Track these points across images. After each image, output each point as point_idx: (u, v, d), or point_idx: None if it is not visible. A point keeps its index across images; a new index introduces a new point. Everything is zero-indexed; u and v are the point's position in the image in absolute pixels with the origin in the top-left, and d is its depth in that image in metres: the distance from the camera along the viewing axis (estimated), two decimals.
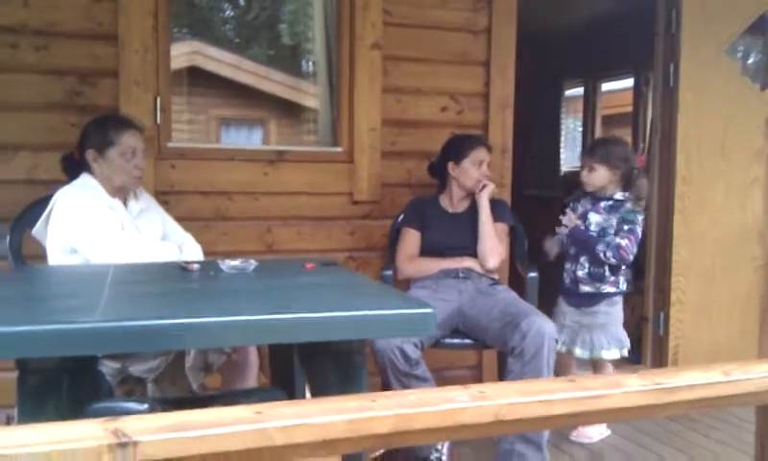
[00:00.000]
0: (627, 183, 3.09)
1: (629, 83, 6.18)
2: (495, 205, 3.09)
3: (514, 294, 2.88)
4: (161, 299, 1.63)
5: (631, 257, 2.99)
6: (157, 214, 2.69)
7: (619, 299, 3.12)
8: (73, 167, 2.55)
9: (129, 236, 2.39)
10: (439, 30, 3.49)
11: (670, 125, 3.92)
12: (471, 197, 3.11)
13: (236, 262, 1.99)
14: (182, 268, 2.00)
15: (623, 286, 3.10)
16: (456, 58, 3.52)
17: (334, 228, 3.42)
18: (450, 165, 3.09)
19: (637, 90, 5.93)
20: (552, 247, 3.22)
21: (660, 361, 4.01)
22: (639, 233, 3.02)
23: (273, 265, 2.00)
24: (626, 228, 3.00)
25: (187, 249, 2.65)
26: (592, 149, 3.20)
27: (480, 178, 3.06)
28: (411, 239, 3.11)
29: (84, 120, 2.79)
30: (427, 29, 3.47)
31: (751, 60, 4.05)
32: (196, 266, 1.97)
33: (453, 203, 3.15)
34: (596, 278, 3.06)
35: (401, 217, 3.24)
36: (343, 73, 3.38)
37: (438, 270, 2.99)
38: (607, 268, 3.04)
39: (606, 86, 6.61)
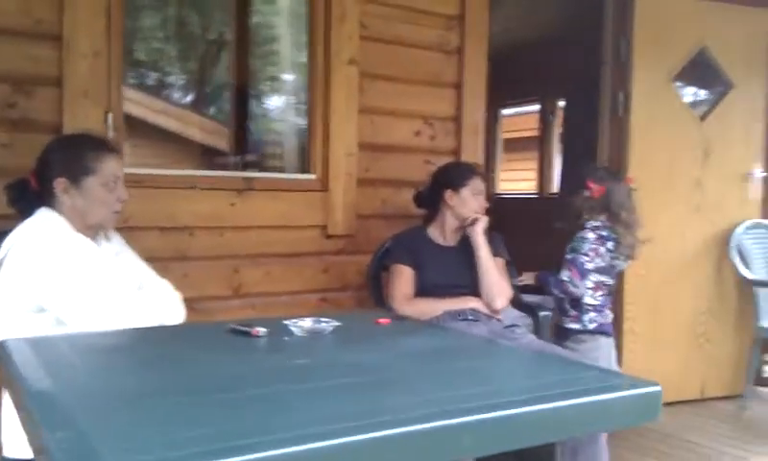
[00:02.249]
0: (601, 211, 2.96)
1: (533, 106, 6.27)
2: (491, 238, 2.85)
3: (533, 337, 2.65)
4: (271, 391, 1.16)
5: (573, 290, 2.83)
6: (132, 257, 2.16)
7: (588, 337, 2.89)
8: (26, 199, 1.97)
9: (128, 293, 1.87)
10: (413, 48, 3.22)
11: (619, 154, 3.93)
12: (463, 229, 2.85)
13: (309, 322, 1.58)
14: (244, 333, 1.55)
15: (590, 325, 2.89)
16: (430, 78, 3.27)
17: (306, 265, 3.01)
18: (448, 194, 2.81)
19: (544, 117, 6.02)
20: None
21: None
22: (585, 263, 2.84)
23: (343, 323, 1.60)
24: (568, 257, 2.87)
25: (165, 300, 2.15)
26: (567, 176, 3.07)
27: (478, 209, 2.82)
28: (406, 277, 2.78)
29: (18, 138, 2.20)
30: (402, 46, 3.19)
31: (692, 91, 4.18)
32: (262, 331, 1.53)
33: (445, 235, 2.87)
34: (560, 310, 2.93)
35: (389, 253, 2.90)
36: (316, 90, 3.00)
37: (441, 312, 2.69)
38: (566, 301, 2.91)
39: (508, 111, 6.67)
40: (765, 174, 4.23)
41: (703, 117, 4.08)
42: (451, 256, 2.83)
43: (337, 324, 1.57)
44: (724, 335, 4.11)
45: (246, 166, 3.78)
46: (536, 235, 5.52)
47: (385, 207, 3.18)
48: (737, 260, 4.00)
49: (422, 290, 2.77)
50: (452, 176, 2.84)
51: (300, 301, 2.93)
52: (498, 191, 6.63)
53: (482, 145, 3.44)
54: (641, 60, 3.86)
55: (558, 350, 2.48)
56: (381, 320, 1.74)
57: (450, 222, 2.84)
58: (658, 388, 1.14)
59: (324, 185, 3.01)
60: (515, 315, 2.80)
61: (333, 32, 2.96)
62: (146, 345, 1.59)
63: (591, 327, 2.90)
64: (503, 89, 5.94)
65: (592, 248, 2.87)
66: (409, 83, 3.22)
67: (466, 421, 0.99)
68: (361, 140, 3.09)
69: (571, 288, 2.82)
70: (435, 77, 3.28)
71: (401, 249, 2.85)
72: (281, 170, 3.05)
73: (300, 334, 1.54)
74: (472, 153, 3.35)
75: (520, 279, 2.92)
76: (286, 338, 1.51)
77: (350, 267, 3.10)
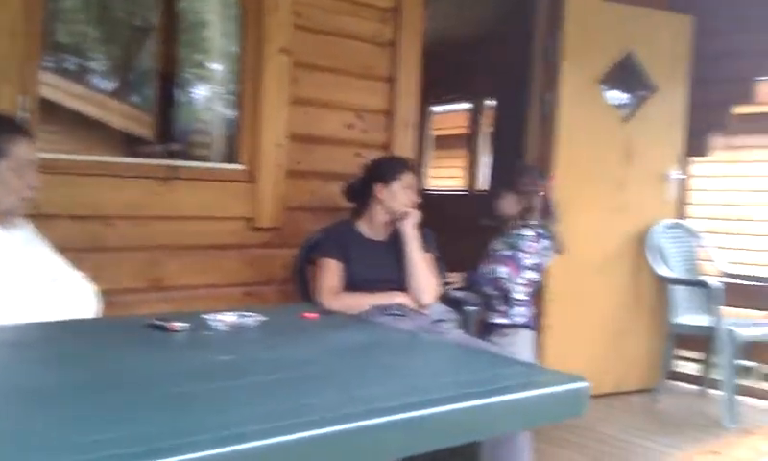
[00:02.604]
0: (529, 213, 3.02)
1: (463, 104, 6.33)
2: (422, 234, 2.85)
3: (459, 332, 2.66)
4: (185, 391, 1.11)
5: (510, 286, 2.90)
6: (43, 247, 2.05)
7: (513, 332, 2.98)
8: None
9: (39, 284, 1.76)
10: (347, 39, 3.18)
11: (547, 153, 4.00)
12: (393, 224, 2.84)
13: (231, 317, 1.52)
14: (161, 328, 1.48)
15: (517, 319, 2.97)
16: (363, 71, 3.24)
17: (230, 258, 2.93)
18: (378, 187, 2.79)
19: (473, 114, 6.08)
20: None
21: None
22: (523, 259, 2.92)
23: (268, 318, 1.55)
24: (506, 253, 2.93)
25: (78, 292, 2.05)
26: (500, 176, 3.10)
27: (408, 203, 2.81)
28: (333, 271, 2.74)
29: None
30: (336, 37, 3.14)
31: (617, 94, 4.29)
32: (180, 326, 1.46)
33: (375, 229, 2.85)
34: (487, 305, 2.97)
35: (317, 246, 2.86)
36: (247, 78, 2.92)
37: (368, 306, 2.67)
38: (495, 297, 2.95)
39: (439, 108, 6.70)
40: (683, 176, 4.39)
41: (626, 119, 4.20)
42: (380, 251, 2.82)
43: (262, 318, 1.52)
44: (639, 331, 4.26)
45: (171, 155, 3.66)
46: (464, 231, 5.58)
47: (314, 200, 3.13)
48: (653, 259, 4.14)
49: (350, 285, 2.74)
50: (383, 169, 2.82)
51: (223, 294, 2.85)
52: (428, 187, 6.66)
53: (414, 140, 3.44)
54: (570, 62, 3.93)
55: (484, 345, 2.50)
56: (308, 314, 1.71)
57: (380, 216, 2.82)
58: (585, 384, 1.15)
59: (252, 176, 2.93)
60: (441, 310, 2.80)
61: (265, 19, 2.88)
62: (56, 340, 1.50)
63: (519, 321, 2.94)
64: (434, 86, 5.96)
65: (531, 245, 2.92)
66: (342, 74, 3.18)
67: (393, 419, 0.96)
68: (292, 131, 3.03)
69: (507, 284, 2.85)
70: (368, 70, 3.25)
71: (329, 242, 2.81)
72: (208, 160, 2.95)
73: (222, 329, 1.48)
74: (404, 147, 3.34)
75: (448, 281, 2.92)
76: (207, 333, 1.45)
77: (277, 260, 3.03)
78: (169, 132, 3.89)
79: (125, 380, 1.12)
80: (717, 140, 4.61)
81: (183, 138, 3.42)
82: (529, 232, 2.93)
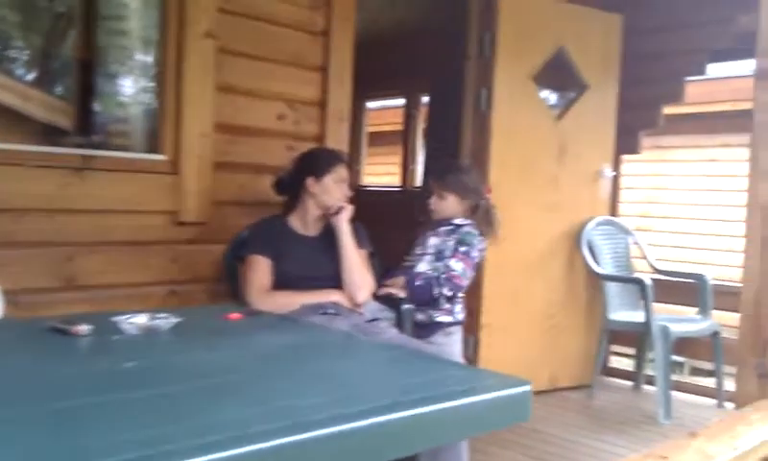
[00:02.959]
0: (472, 214, 2.95)
1: (398, 100, 6.25)
2: (355, 229, 2.74)
3: (396, 331, 2.56)
4: (70, 405, 0.96)
5: (465, 283, 2.84)
6: None
7: (456, 329, 2.92)
8: None
9: None
10: (277, 25, 3.03)
11: (482, 150, 3.95)
12: (326, 219, 2.72)
13: (143, 319, 1.37)
14: (63, 331, 1.31)
15: (459, 316, 2.91)
16: (294, 59, 3.10)
17: (153, 254, 2.75)
18: (309, 181, 2.67)
19: (408, 112, 6.01)
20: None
21: None
22: (475, 257, 2.86)
23: (185, 319, 1.39)
24: (461, 249, 2.83)
25: None
26: (440, 175, 2.96)
27: (342, 198, 2.69)
28: (263, 269, 2.60)
29: None
30: (264, 22, 3.00)
31: (550, 90, 4.29)
32: (84, 329, 1.31)
33: (307, 225, 2.72)
34: (430, 305, 2.85)
35: (246, 243, 2.71)
36: (168, 64, 2.74)
37: (300, 305, 2.54)
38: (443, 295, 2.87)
39: (374, 104, 6.61)
40: (614, 173, 4.42)
41: (559, 116, 4.20)
42: (312, 247, 2.69)
43: (177, 320, 1.38)
44: (574, 328, 4.27)
45: (90, 146, 3.41)
46: (400, 228, 5.49)
47: (243, 194, 2.98)
48: (587, 256, 4.16)
49: (281, 282, 2.61)
50: (315, 162, 2.70)
51: (145, 294, 2.67)
52: (364, 184, 6.56)
53: (347, 133, 3.33)
54: (504, 57, 3.90)
55: (422, 345, 2.40)
56: (231, 315, 1.57)
57: (312, 211, 2.70)
58: (527, 388, 1.06)
59: (175, 168, 2.76)
60: (376, 308, 2.70)
61: (188, 1, 2.71)
62: None
63: (461, 318, 2.88)
64: (368, 81, 5.87)
65: (480, 243, 2.85)
66: (272, 62, 3.03)
67: (321, 434, 0.85)
68: (218, 121, 2.87)
69: (463, 281, 2.78)
70: (300, 58, 3.12)
71: (259, 238, 2.67)
72: (128, 150, 2.76)
73: (132, 332, 1.34)
74: (337, 140, 3.22)
75: (389, 290, 2.82)
76: (114, 338, 1.30)
77: (203, 257, 2.87)
78: (90, 122, 3.65)
79: (7, 392, 0.96)
80: (647, 139, 4.69)
81: (105, 129, 3.19)
82: (474, 230, 2.87)
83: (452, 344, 2.85)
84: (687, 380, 4.48)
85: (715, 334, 3.97)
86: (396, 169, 8.25)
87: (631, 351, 4.70)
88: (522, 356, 4.07)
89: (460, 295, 2.87)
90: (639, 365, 4.38)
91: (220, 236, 2.86)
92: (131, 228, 2.67)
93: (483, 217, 2.90)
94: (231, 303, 2.67)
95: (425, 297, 2.80)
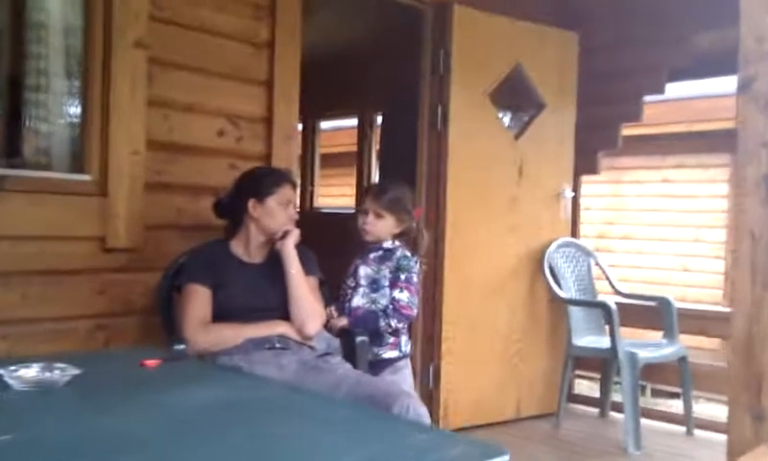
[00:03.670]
0: (401, 236, 2.74)
1: (351, 121, 6.08)
2: (302, 255, 2.51)
3: (349, 366, 2.32)
4: None
5: (414, 312, 2.62)
6: None
7: (405, 363, 2.69)
8: None
9: None
10: (217, 36, 2.82)
11: (438, 169, 3.78)
12: (271, 244, 2.49)
13: (34, 371, 1.12)
14: None
15: (406, 348, 2.68)
16: (236, 72, 2.89)
17: (78, 285, 2.48)
18: (251, 204, 2.43)
19: (362, 131, 5.83)
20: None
21: (431, 416, 3.78)
22: (417, 283, 2.65)
23: (87, 369, 1.14)
24: (402, 277, 2.61)
25: None
26: (380, 193, 2.73)
27: (287, 221, 2.47)
28: (201, 300, 2.35)
29: None
30: (202, 32, 2.78)
31: (506, 110, 4.15)
32: None
33: (250, 250, 2.48)
34: (374, 341, 2.61)
35: (182, 270, 2.46)
36: (93, 74, 2.49)
37: (243, 339, 2.30)
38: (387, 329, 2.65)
39: (327, 125, 6.42)
40: (573, 194, 4.30)
41: (517, 136, 4.06)
42: (257, 275, 2.46)
43: (76, 372, 1.13)
44: (538, 353, 4.09)
45: (8, 166, 3.12)
46: (356, 251, 5.30)
47: (180, 217, 2.73)
48: (550, 279, 4.00)
49: (222, 314, 2.36)
50: (257, 183, 2.47)
51: (67, 330, 2.40)
52: (317, 205, 6.33)
53: (296, 151, 3.11)
54: (460, 75, 3.74)
55: (379, 383, 2.17)
56: (148, 362, 1.32)
57: (255, 235, 2.47)
58: (506, 457, 0.85)
59: (101, 189, 2.50)
60: (328, 340, 2.47)
61: (116, 8, 2.48)
62: None
63: (407, 350, 2.67)
64: (322, 101, 5.68)
65: (415, 264, 2.65)
66: (212, 75, 2.81)
67: None
68: (151, 138, 2.62)
69: (413, 310, 2.57)
70: (242, 71, 2.90)
71: (197, 265, 2.42)
72: (50, 169, 2.49)
73: (19, 388, 1.09)
74: (285, 159, 3.00)
75: (338, 323, 2.60)
76: None
77: (136, 287, 2.61)
78: (13, 141, 3.35)
79: None
80: (603, 160, 4.59)
81: (23, 147, 2.91)
82: (408, 252, 2.67)
83: (402, 380, 2.63)
84: (653, 405, 4.34)
85: (682, 359, 3.84)
86: (351, 190, 8.05)
87: (595, 374, 4.56)
88: (485, 385, 3.88)
89: (403, 326, 2.66)
90: (605, 391, 4.21)
91: (154, 264, 2.60)
92: (52, 255, 2.40)
93: (417, 242, 2.70)
94: (167, 339, 2.42)
95: (369, 328, 2.57)
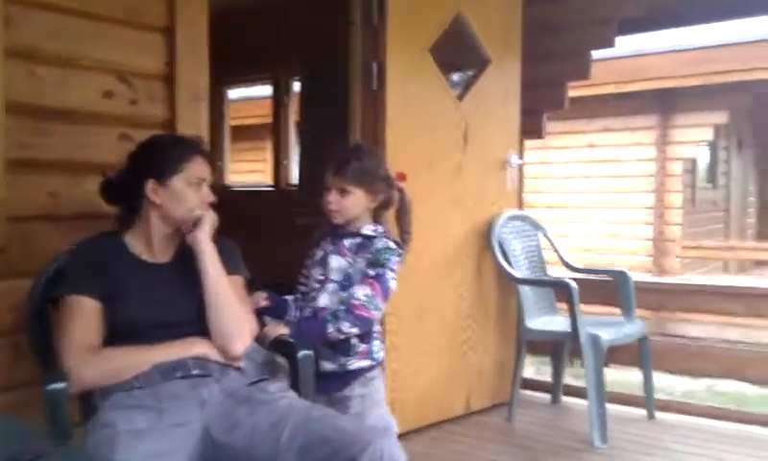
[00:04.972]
0: (383, 211, 2.24)
1: (267, 90, 5.45)
2: (222, 247, 1.95)
3: (293, 395, 1.78)
4: None
5: (374, 315, 2.09)
6: None
7: (377, 372, 2.20)
8: None
9: None
10: None
11: (375, 136, 3.25)
12: (180, 237, 1.91)
13: None
14: None
15: (379, 355, 2.19)
16: (125, 15, 2.25)
17: None
18: (151, 185, 1.84)
19: (277, 100, 5.21)
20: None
21: None
22: (390, 281, 2.12)
23: None
24: (371, 273, 2.09)
25: None
26: (342, 164, 2.17)
27: (199, 205, 1.89)
28: (87, 317, 1.76)
29: None
30: None
31: (447, 66, 3.66)
32: None
33: (152, 246, 1.90)
34: (340, 349, 2.12)
35: (63, 277, 1.85)
36: None
37: (151, 366, 1.73)
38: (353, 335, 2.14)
39: (238, 93, 5.76)
40: (521, 161, 3.89)
41: (461, 96, 3.59)
42: (163, 279, 1.88)
43: None
44: (487, 340, 3.69)
45: None
46: (274, 232, 4.71)
47: (56, 205, 2.10)
48: (500, 257, 3.58)
49: (117, 334, 1.78)
50: (157, 157, 1.88)
51: None
52: (228, 183, 5.68)
53: (206, 116, 2.51)
54: (397, 28, 3.21)
55: (338, 422, 1.64)
56: None
57: (158, 227, 1.89)
58: None
59: None
60: (262, 358, 1.93)
61: None
62: None
63: (380, 357, 2.17)
64: (229, 67, 5.00)
65: (397, 261, 2.13)
66: (94, 19, 2.17)
67: None
68: (11, 99, 1.97)
69: (373, 313, 2.05)
70: (135, 14, 2.27)
71: (80, 269, 1.82)
72: None
73: None
74: (194, 126, 2.39)
75: (274, 334, 2.04)
76: None
77: None
78: None
79: None
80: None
81: None
82: (391, 243, 2.15)
83: (374, 393, 2.15)
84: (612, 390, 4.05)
85: (643, 339, 3.52)
86: (263, 166, 7.43)
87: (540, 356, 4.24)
88: (434, 380, 3.44)
89: (376, 329, 2.16)
90: (557, 375, 3.87)
91: (22, 267, 1.99)
92: None
93: (398, 215, 2.20)
94: (40, 369, 1.82)
95: (315, 336, 2.05)
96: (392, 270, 2.10)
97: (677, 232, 6.75)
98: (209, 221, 1.88)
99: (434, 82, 3.42)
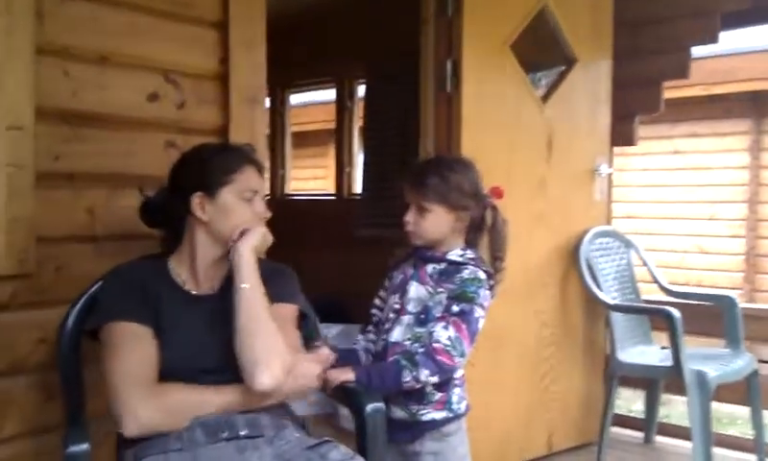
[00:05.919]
0: (476, 233, 1.91)
1: (328, 95, 5.19)
2: (273, 272, 1.65)
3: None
4: None
5: (459, 362, 1.76)
6: None
7: (456, 427, 1.86)
8: None
9: None
10: None
11: (449, 142, 2.92)
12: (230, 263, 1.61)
13: None
14: None
15: (459, 407, 1.85)
16: (173, 7, 1.98)
17: None
18: (196, 200, 1.56)
19: (341, 104, 4.93)
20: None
21: None
22: (479, 320, 1.78)
23: None
24: (455, 309, 1.75)
25: None
26: (420, 177, 1.85)
27: (253, 221, 1.60)
28: (142, 346, 1.50)
29: None
30: None
31: (530, 64, 3.29)
32: None
33: (197, 274, 1.62)
34: (411, 396, 1.79)
35: (99, 303, 1.59)
36: None
37: (193, 421, 1.44)
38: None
39: (299, 99, 5.52)
40: (611, 170, 3.48)
41: (545, 98, 3.22)
42: (210, 314, 1.59)
43: None
44: (572, 372, 3.29)
45: None
46: (334, 245, 4.43)
47: (94, 223, 1.84)
48: (589, 279, 3.19)
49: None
50: (204, 167, 1.60)
51: None
52: (289, 192, 5.44)
53: (264, 122, 2.23)
54: (473, 20, 2.87)
55: None
56: None
57: (205, 249, 1.61)
58: None
59: None
60: (322, 407, 1.62)
61: None
62: None
63: (461, 408, 1.84)
64: (289, 69, 4.76)
65: (487, 295, 1.81)
66: (138, 11, 1.90)
67: None
68: (43, 104, 1.72)
69: (457, 360, 1.73)
70: (182, 6, 2.00)
71: (127, 294, 1.55)
72: None
73: None
74: (249, 133, 2.11)
75: (333, 373, 1.72)
76: None
77: (26, 333, 1.72)
78: None
79: None
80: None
81: None
82: (482, 274, 1.82)
83: (449, 452, 1.81)
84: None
85: (753, 374, 3.07)
86: (324, 173, 7.21)
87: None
88: (512, 415, 3.07)
89: (457, 375, 1.83)
90: (651, 412, 3.44)
91: (55, 294, 1.74)
92: None
93: (490, 238, 1.87)
94: (67, 418, 1.56)
95: (388, 386, 1.72)
96: (481, 307, 1.76)
97: None
98: (258, 235, 1.58)
99: (516, 82, 3.06)
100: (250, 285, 1.52)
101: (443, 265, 1.82)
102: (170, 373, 1.49)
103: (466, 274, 1.78)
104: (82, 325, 1.65)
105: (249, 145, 1.71)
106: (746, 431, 4.05)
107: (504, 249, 1.88)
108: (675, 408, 4.20)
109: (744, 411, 3.91)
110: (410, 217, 1.83)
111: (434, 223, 1.82)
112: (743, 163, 6.37)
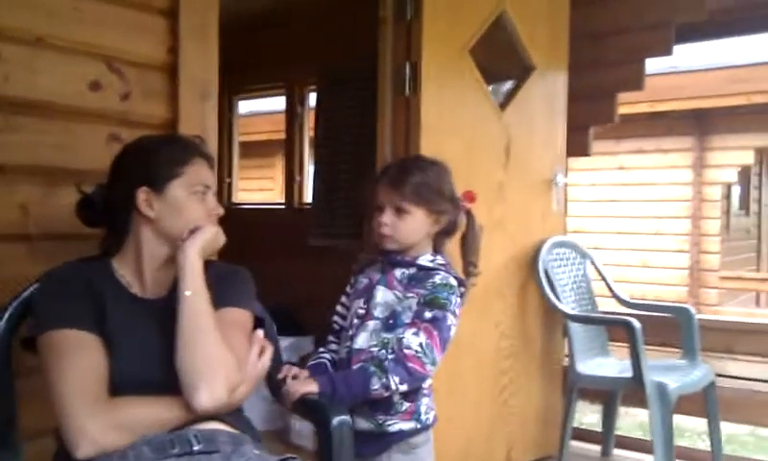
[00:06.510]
0: (444, 239, 1.82)
1: (275, 104, 5.05)
2: (226, 274, 1.52)
3: None
4: None
5: (430, 371, 1.66)
6: None
7: (424, 438, 1.76)
8: None
9: None
10: None
11: (407, 148, 2.82)
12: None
13: None
14: None
15: (428, 417, 1.75)
16: None
17: None
18: (141, 195, 1.42)
19: (291, 111, 4.80)
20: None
21: None
22: (451, 327, 1.69)
23: None
24: (427, 316, 1.66)
25: None
26: (399, 177, 1.74)
27: (204, 218, 1.46)
28: (89, 354, 1.34)
29: None
30: None
31: (487, 71, 3.22)
32: None
33: (143, 276, 1.47)
34: (378, 406, 1.68)
35: (36, 309, 1.42)
36: None
37: (140, 439, 1.28)
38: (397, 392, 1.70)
39: (245, 108, 5.36)
40: (566, 180, 3.45)
41: (503, 105, 3.17)
42: (158, 320, 1.43)
43: None
44: (531, 384, 3.22)
45: None
46: (284, 254, 4.28)
47: (28, 221, 1.67)
48: (547, 289, 3.13)
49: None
50: (151, 158, 1.45)
51: None
52: (237, 201, 5.26)
53: (215, 120, 2.08)
54: (433, 24, 2.80)
55: None
56: None
57: (151, 250, 1.46)
58: None
59: None
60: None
61: None
62: None
63: (429, 419, 1.73)
64: (238, 75, 4.60)
65: (458, 302, 1.71)
66: None
67: None
68: None
69: (428, 368, 1.62)
70: None
71: (67, 298, 1.39)
72: None
73: None
74: (200, 129, 1.96)
75: (293, 384, 1.59)
76: None
77: None
78: None
79: None
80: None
81: None
82: (452, 280, 1.72)
83: (423, 459, 1.70)
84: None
85: (710, 386, 3.06)
86: (271, 185, 7.06)
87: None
88: (473, 429, 2.98)
89: (426, 385, 1.72)
90: (608, 424, 3.40)
91: None
92: None
93: (464, 243, 1.78)
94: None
95: (355, 394, 1.60)
96: (453, 314, 1.67)
97: (714, 262, 6.30)
98: (208, 234, 1.44)
99: (474, 88, 2.99)
100: (192, 292, 1.37)
101: (412, 270, 1.72)
102: (117, 385, 1.33)
103: (438, 279, 1.68)
104: (13, 334, 1.48)
105: (198, 137, 1.58)
106: (694, 443, 4.09)
107: (478, 255, 1.79)
108: (623, 420, 4.18)
109: (693, 423, 3.95)
110: (387, 219, 1.72)
111: (412, 226, 1.72)
112: (687, 180, 6.52)
